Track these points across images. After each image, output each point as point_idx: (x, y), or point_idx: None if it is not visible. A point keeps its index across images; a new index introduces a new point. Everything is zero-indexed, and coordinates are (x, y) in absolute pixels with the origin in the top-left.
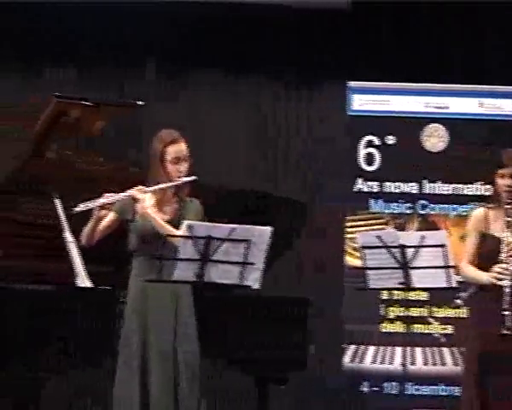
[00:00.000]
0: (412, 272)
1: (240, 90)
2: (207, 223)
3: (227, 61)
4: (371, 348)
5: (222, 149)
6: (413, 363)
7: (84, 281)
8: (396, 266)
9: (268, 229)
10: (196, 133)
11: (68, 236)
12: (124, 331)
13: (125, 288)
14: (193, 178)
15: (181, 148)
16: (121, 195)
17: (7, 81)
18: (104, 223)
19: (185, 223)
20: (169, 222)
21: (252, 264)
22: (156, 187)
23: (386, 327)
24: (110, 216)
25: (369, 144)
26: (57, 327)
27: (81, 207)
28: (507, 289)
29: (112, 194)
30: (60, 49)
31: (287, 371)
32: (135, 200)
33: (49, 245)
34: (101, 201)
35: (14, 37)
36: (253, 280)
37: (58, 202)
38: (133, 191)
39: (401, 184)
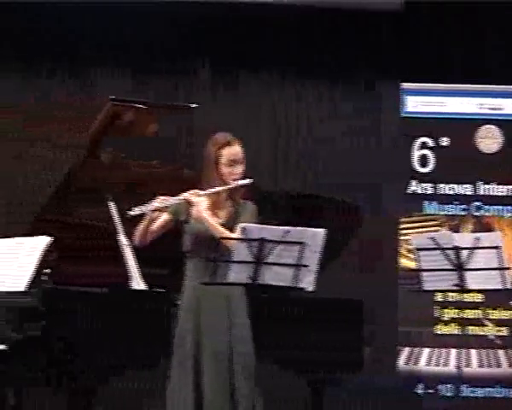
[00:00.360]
0: (467, 273)
1: (288, 91)
2: (261, 225)
3: (280, 64)
4: (426, 350)
5: (271, 151)
6: (468, 365)
7: (138, 283)
8: (450, 267)
9: (322, 231)
10: (251, 136)
11: (123, 238)
12: (178, 332)
13: (180, 290)
14: (248, 180)
15: (235, 150)
16: (175, 198)
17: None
18: (158, 223)
19: (239, 225)
20: (223, 225)
21: (306, 266)
22: (211, 190)
23: (441, 329)
24: (164, 217)
25: (423, 146)
26: (112, 329)
27: (136, 210)
28: None
29: (166, 197)
30: (115, 53)
31: (341, 373)
32: (189, 203)
33: (104, 248)
34: (156, 204)
35: (38, 39)
36: (307, 282)
37: (112, 205)
38: (188, 195)
39: (455, 186)
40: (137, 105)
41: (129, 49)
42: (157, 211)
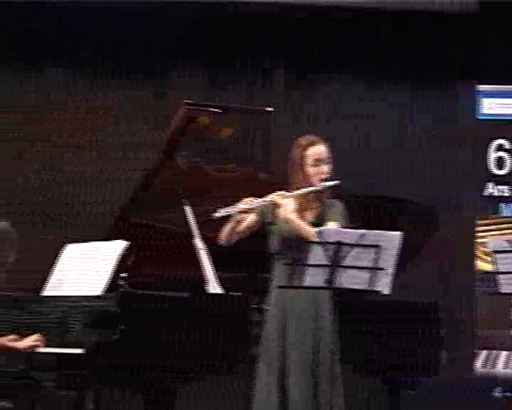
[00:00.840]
0: None
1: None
2: (337, 228)
3: (360, 66)
4: (503, 354)
5: (348, 153)
6: None
7: (214, 287)
8: None
9: (398, 234)
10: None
11: (198, 242)
12: (264, 334)
13: (257, 294)
14: (335, 181)
15: (320, 149)
16: (262, 200)
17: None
18: (245, 224)
19: (315, 229)
20: (311, 225)
21: (382, 269)
22: (297, 192)
23: None
24: (251, 217)
25: (500, 148)
26: (188, 332)
27: (221, 212)
28: None
29: (252, 198)
30: (190, 55)
31: (418, 376)
32: (276, 205)
33: (180, 251)
34: (242, 206)
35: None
36: (384, 285)
37: (188, 209)
38: (274, 197)
39: None
40: (212, 109)
41: (204, 51)
42: (243, 213)
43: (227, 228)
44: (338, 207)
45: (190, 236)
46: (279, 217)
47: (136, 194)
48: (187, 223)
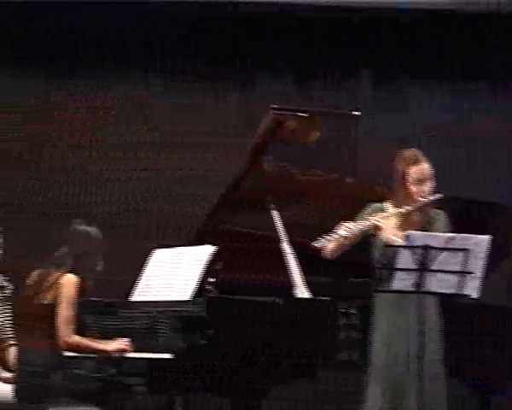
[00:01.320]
0: None
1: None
2: (425, 232)
3: (440, 66)
4: None
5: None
6: None
7: (302, 292)
8: None
9: (486, 237)
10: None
11: (286, 247)
12: (373, 338)
13: (344, 298)
14: (438, 196)
15: (423, 168)
16: (361, 224)
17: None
18: (348, 241)
19: (403, 233)
20: None
21: (470, 273)
22: (398, 210)
23: None
24: (353, 234)
25: None
26: (276, 337)
27: (322, 241)
28: None
29: (351, 224)
30: (278, 60)
31: (507, 382)
32: (377, 228)
33: (267, 256)
34: (342, 233)
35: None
36: (472, 289)
37: (275, 213)
38: (375, 221)
39: None
40: (299, 113)
41: (292, 54)
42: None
43: (330, 247)
44: (441, 219)
45: (278, 240)
46: (382, 238)
47: (223, 198)
48: (274, 227)
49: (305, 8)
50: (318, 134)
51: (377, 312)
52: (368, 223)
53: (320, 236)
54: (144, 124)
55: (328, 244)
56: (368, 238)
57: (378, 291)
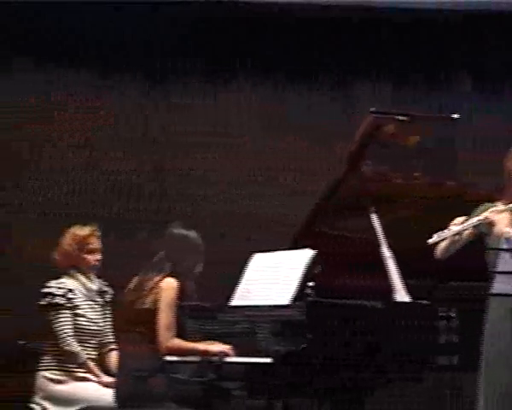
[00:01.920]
0: None
1: None
2: None
3: None
4: None
5: None
6: None
7: (402, 296)
8: None
9: None
10: None
11: (385, 251)
12: (482, 343)
13: (444, 302)
14: None
15: None
16: (475, 219)
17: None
18: (462, 241)
19: (504, 236)
20: None
21: None
22: (510, 206)
23: None
24: (467, 232)
25: None
26: (376, 341)
27: (435, 238)
28: None
29: (464, 219)
30: (375, 65)
31: None
32: (491, 223)
33: (367, 260)
34: (456, 229)
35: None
36: None
37: (375, 217)
38: (488, 215)
39: None
40: (399, 117)
41: (390, 60)
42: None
43: (443, 245)
44: None
45: (377, 244)
46: (496, 234)
47: (321, 202)
48: (373, 231)
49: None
50: (418, 138)
51: (491, 315)
52: (480, 217)
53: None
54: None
55: (441, 243)
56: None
57: (487, 295)
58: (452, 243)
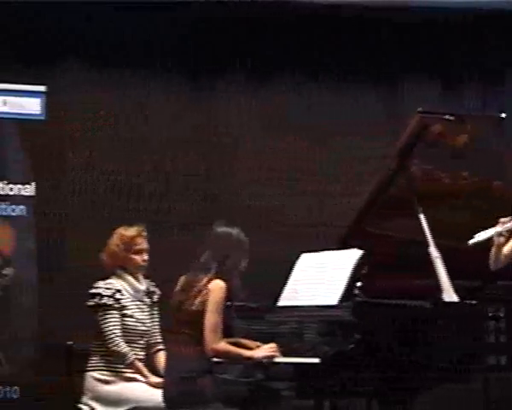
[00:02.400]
0: None
1: None
2: None
3: None
4: None
5: None
6: None
7: (450, 296)
8: None
9: None
10: None
11: (434, 251)
12: None
13: (493, 302)
14: None
15: None
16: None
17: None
18: (509, 247)
19: None
20: None
21: None
22: None
23: None
24: None
25: None
26: (424, 341)
27: (476, 238)
28: None
29: (507, 219)
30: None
31: None
32: None
33: (414, 260)
34: (497, 229)
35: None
36: None
37: (422, 217)
38: None
39: None
40: (446, 117)
41: (439, 59)
42: (501, 236)
43: (492, 253)
44: None
45: (424, 244)
46: None
47: (369, 202)
48: (421, 231)
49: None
50: (466, 137)
51: None
52: None
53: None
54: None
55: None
56: None
57: None
58: (498, 252)
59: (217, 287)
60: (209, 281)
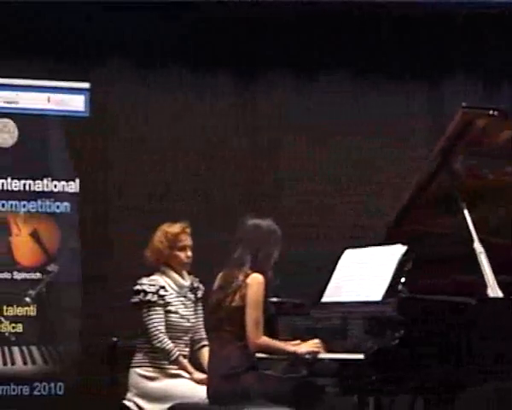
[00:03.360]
0: None
1: None
2: None
3: None
4: None
5: None
6: None
7: (495, 291)
8: None
9: None
10: None
11: (478, 246)
12: None
13: None
14: None
15: None
16: None
17: None
18: None
19: None
20: None
21: None
22: None
23: None
24: None
25: None
26: (468, 337)
27: None
28: None
29: None
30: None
31: None
32: None
33: (459, 256)
34: None
35: None
36: None
37: (467, 213)
38: None
39: None
40: (490, 112)
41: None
42: None
43: None
44: None
45: (469, 240)
46: None
47: (413, 198)
48: (465, 227)
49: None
50: (509, 133)
51: None
52: None
53: None
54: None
55: None
56: None
57: None
58: None
59: (255, 281)
60: (246, 276)
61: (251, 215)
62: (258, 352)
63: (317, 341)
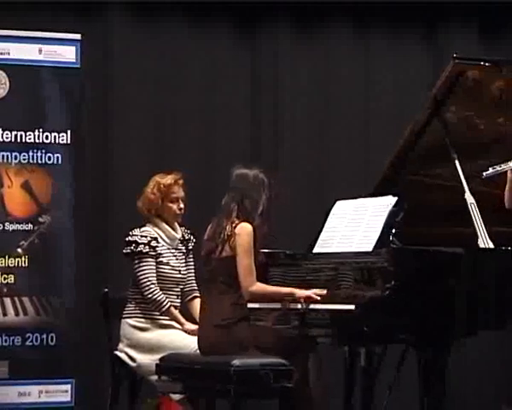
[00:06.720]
0: None
1: None
2: None
3: None
4: None
5: None
6: None
7: (485, 242)
8: None
9: None
10: None
11: (469, 197)
12: None
13: None
14: None
15: None
16: None
17: None
18: None
19: None
20: None
21: None
22: None
23: None
24: None
25: None
26: (459, 288)
27: (490, 171)
28: None
29: None
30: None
31: None
32: None
33: (450, 207)
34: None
35: None
36: None
37: (458, 164)
38: None
39: None
40: (482, 63)
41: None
42: None
43: (506, 190)
44: None
45: (461, 191)
46: None
47: (403, 148)
48: (456, 178)
49: None
50: (502, 84)
51: None
52: None
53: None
54: None
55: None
56: None
57: None
58: (510, 189)
59: (243, 230)
60: (236, 225)
61: (239, 165)
62: (254, 299)
63: (315, 290)
